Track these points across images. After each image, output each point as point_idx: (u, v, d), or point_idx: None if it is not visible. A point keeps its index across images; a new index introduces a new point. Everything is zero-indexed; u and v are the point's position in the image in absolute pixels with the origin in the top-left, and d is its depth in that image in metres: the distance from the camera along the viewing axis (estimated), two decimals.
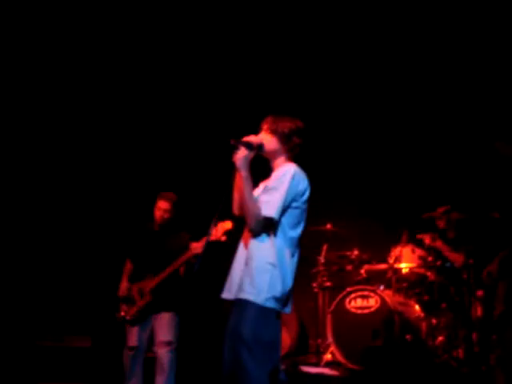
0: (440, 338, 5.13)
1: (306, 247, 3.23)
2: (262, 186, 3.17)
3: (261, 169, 3.18)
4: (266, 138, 3.11)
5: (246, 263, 2.98)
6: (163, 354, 4.57)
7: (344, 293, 5.24)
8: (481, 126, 5.63)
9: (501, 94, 5.60)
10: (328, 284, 5.66)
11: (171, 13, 6.18)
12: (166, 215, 4.79)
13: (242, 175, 2.96)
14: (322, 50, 6.27)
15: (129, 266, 4.91)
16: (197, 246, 4.53)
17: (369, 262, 5.69)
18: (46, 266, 6.10)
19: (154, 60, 6.37)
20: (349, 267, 5.71)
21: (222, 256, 3.48)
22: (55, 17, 6.03)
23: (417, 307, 5.30)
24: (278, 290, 2.92)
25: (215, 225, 4.28)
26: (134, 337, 4.64)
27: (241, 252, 3.06)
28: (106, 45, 6.24)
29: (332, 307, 5.27)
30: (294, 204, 3.02)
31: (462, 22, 5.80)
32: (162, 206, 4.79)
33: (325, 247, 5.70)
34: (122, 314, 4.68)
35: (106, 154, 6.42)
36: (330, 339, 5.21)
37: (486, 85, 5.74)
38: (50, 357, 5.42)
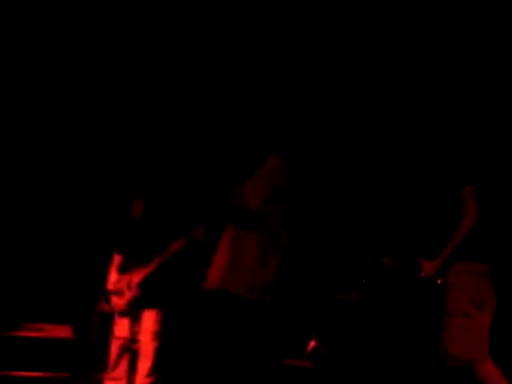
0: None
1: None
2: (250, 178, 3.18)
3: (252, 161, 3.19)
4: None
5: (228, 254, 3.00)
6: (148, 341, 4.61)
7: None
8: None
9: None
10: None
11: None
12: (140, 211, 4.83)
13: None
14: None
15: (117, 257, 4.89)
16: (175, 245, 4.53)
17: None
18: (26, 252, 6.06)
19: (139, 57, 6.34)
20: None
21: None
22: (55, 17, 5.98)
23: None
24: (258, 281, 2.94)
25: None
26: (124, 327, 4.64)
27: (224, 243, 3.08)
28: (96, 42, 6.19)
29: None
30: (277, 197, 3.05)
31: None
32: (138, 204, 4.82)
33: None
34: (116, 307, 4.67)
35: (98, 145, 6.40)
36: None
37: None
38: (28, 346, 5.37)
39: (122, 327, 4.65)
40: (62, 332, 5.51)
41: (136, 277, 4.67)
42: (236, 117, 3.42)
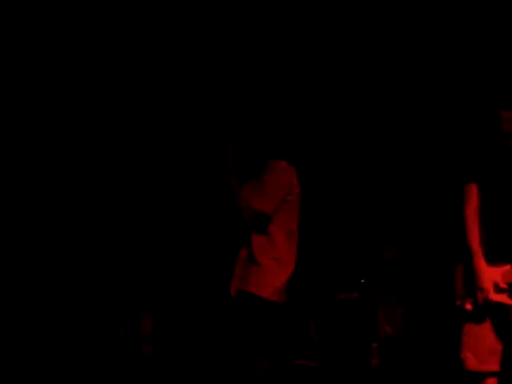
0: None
1: None
2: (255, 180, 3.18)
3: (255, 164, 3.19)
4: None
5: (248, 258, 3.02)
6: None
7: None
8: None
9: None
10: None
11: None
12: None
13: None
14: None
15: None
16: None
17: None
18: None
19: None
20: None
21: None
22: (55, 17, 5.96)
23: None
24: (279, 283, 2.96)
25: None
26: None
27: (242, 247, 3.09)
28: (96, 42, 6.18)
29: None
30: (289, 197, 3.06)
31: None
32: None
33: None
34: None
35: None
36: None
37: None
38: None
39: None
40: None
41: None
42: (237, 119, 3.42)
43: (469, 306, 2.96)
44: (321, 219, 5.95)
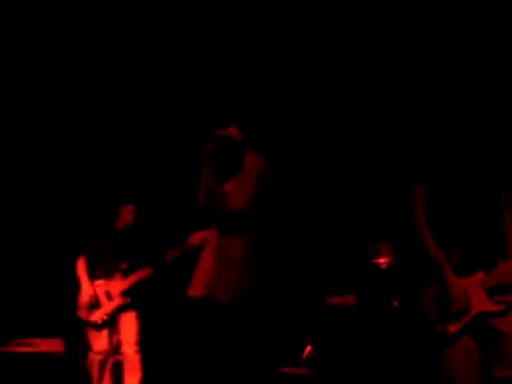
0: None
1: None
2: (232, 178, 3.10)
3: (231, 161, 3.12)
4: (233, 131, 3.08)
5: (214, 259, 2.90)
6: (133, 353, 4.47)
7: None
8: None
9: None
10: None
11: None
12: (133, 217, 4.75)
13: (210, 168, 2.90)
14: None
15: (83, 265, 4.68)
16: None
17: None
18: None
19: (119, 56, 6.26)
20: None
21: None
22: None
23: None
24: (247, 287, 2.85)
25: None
26: (103, 340, 4.52)
27: (208, 248, 2.99)
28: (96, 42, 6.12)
29: None
30: (264, 196, 2.96)
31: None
32: (131, 209, 4.72)
33: None
34: (94, 318, 4.50)
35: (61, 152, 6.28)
36: None
37: None
38: (17, 363, 5.20)
39: (100, 340, 4.52)
40: (53, 346, 5.34)
41: (118, 286, 4.53)
42: (214, 117, 3.35)
43: (453, 329, 2.73)
44: (309, 219, 5.84)
